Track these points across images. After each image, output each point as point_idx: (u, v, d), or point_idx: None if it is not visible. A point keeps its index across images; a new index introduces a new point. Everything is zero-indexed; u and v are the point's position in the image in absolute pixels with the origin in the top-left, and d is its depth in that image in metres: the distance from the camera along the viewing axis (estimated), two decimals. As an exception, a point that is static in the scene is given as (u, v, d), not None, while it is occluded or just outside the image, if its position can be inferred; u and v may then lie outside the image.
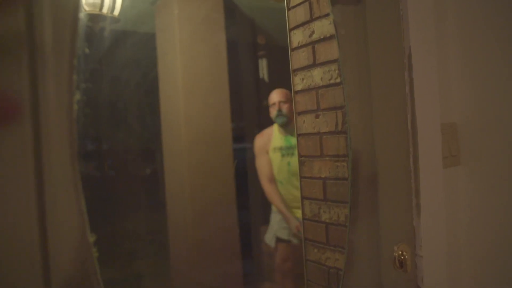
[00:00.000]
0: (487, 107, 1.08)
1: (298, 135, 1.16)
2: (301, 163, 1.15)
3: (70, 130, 0.55)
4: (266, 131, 2.15)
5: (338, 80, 1.07)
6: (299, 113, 1.16)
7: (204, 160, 2.25)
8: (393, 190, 0.93)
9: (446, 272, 0.98)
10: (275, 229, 2.16)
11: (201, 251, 2.24)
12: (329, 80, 1.08)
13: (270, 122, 2.14)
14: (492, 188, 1.08)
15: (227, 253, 2.31)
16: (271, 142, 2.09)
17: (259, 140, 2.17)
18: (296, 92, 1.18)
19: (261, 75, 2.43)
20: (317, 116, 1.11)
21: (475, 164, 1.08)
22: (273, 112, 2.04)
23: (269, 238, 2.20)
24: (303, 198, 1.16)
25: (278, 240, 2.13)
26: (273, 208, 2.16)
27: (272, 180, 2.09)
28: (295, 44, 1.19)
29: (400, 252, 0.88)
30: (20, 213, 0.53)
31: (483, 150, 1.09)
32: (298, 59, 1.17)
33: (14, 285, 0.52)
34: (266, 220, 2.38)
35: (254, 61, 2.50)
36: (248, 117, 2.58)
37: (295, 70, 1.18)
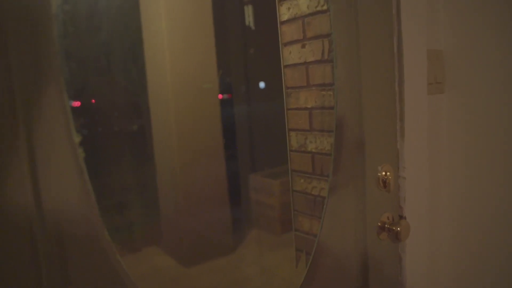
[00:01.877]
0: (474, 36, 1.08)
1: (285, 66, 1.15)
2: (287, 95, 1.15)
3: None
4: None
5: (325, 7, 1.05)
6: (285, 44, 1.14)
7: (191, 110, 2.22)
8: (378, 114, 0.94)
9: (427, 194, 1.01)
10: None
11: (190, 200, 2.27)
12: (316, 7, 1.06)
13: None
14: (475, 116, 1.10)
15: (216, 201, 2.34)
16: None
17: None
18: (282, 23, 1.15)
19: (247, 23, 2.37)
20: (303, 46, 1.09)
21: (459, 92, 1.09)
22: None
23: None
24: (289, 130, 1.16)
25: None
26: None
27: None
28: (281, -28, 1.15)
29: (384, 173, 0.90)
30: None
31: (468, 79, 1.09)
32: (284, -12, 1.14)
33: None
34: (253, 168, 2.40)
35: (240, 8, 2.42)
36: (234, 65, 2.54)
37: (281, 0, 1.15)
